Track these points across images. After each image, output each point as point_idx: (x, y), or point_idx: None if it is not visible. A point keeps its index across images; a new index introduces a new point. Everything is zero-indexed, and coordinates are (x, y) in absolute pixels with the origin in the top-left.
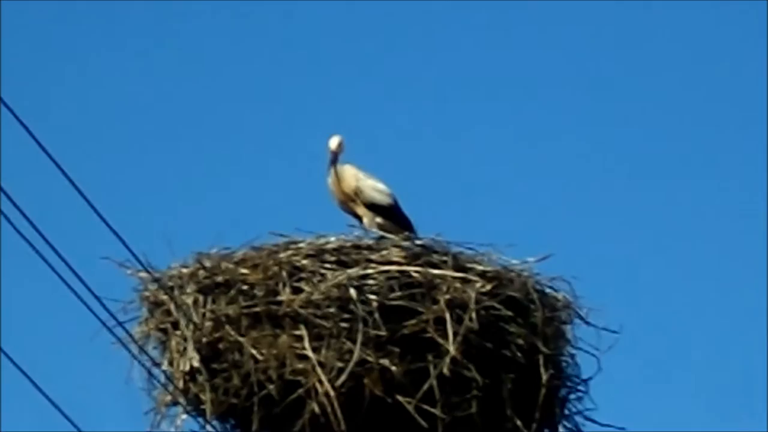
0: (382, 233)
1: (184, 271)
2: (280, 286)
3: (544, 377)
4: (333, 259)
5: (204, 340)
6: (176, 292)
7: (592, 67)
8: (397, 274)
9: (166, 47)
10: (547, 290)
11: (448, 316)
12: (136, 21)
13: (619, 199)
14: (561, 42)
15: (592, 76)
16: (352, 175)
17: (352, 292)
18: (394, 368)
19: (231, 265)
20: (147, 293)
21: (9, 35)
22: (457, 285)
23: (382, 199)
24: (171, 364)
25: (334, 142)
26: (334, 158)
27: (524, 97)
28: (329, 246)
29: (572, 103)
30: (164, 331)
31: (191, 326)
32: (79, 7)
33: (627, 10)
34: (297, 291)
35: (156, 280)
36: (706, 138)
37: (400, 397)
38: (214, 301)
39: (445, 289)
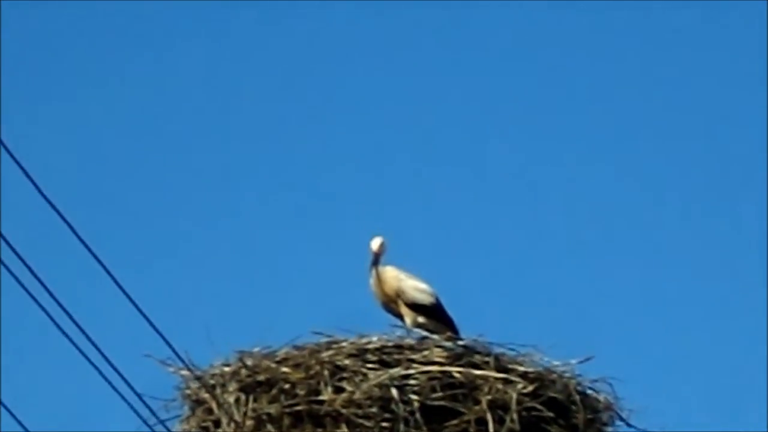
0: (424, 333)
1: (226, 369)
2: (322, 385)
3: None
4: (375, 358)
5: None
6: (218, 391)
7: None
8: (438, 375)
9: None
10: (589, 391)
11: (489, 416)
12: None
13: (660, 301)
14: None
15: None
16: (393, 276)
17: (394, 392)
18: None
19: (273, 364)
20: (188, 391)
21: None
22: (499, 386)
23: (425, 298)
24: None
25: (375, 244)
26: (376, 259)
27: (563, 197)
28: (371, 346)
29: (606, 198)
30: (206, 429)
31: (233, 425)
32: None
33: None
34: (339, 390)
35: (198, 378)
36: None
37: None
38: (255, 400)
39: (486, 389)
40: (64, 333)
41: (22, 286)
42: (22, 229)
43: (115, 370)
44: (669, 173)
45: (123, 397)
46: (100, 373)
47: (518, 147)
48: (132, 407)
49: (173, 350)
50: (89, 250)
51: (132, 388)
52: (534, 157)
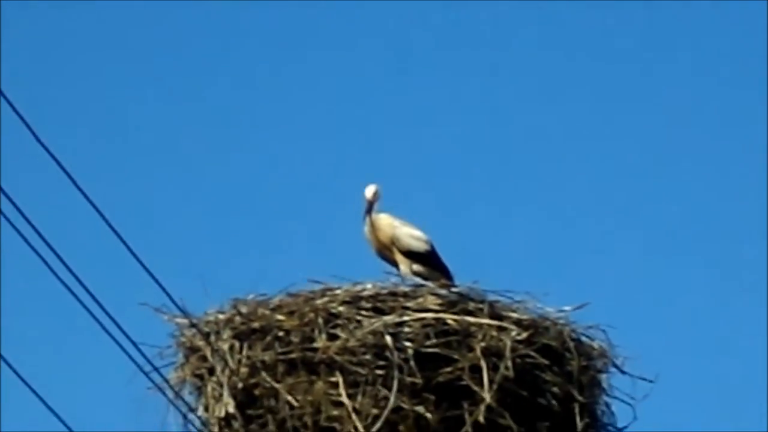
0: (418, 280)
1: (221, 316)
2: (316, 332)
3: (580, 426)
4: (369, 306)
5: (240, 386)
6: (212, 338)
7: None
8: (433, 322)
9: (204, 85)
10: (583, 339)
11: (483, 363)
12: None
13: (655, 248)
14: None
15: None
16: (387, 224)
17: (388, 339)
18: (429, 415)
19: (267, 312)
20: (183, 339)
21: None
22: (493, 333)
23: (419, 246)
24: (206, 409)
25: (369, 191)
26: (370, 207)
27: (558, 141)
28: (365, 293)
29: (601, 151)
30: (200, 377)
31: (227, 372)
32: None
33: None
34: (333, 338)
35: (193, 325)
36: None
37: None
38: (250, 347)
39: (480, 336)
40: (60, 280)
41: (19, 233)
42: (18, 177)
43: (110, 317)
44: (664, 121)
45: (119, 344)
46: (96, 320)
47: (514, 89)
48: (127, 354)
49: (169, 296)
50: (86, 197)
51: (127, 336)
52: (529, 102)
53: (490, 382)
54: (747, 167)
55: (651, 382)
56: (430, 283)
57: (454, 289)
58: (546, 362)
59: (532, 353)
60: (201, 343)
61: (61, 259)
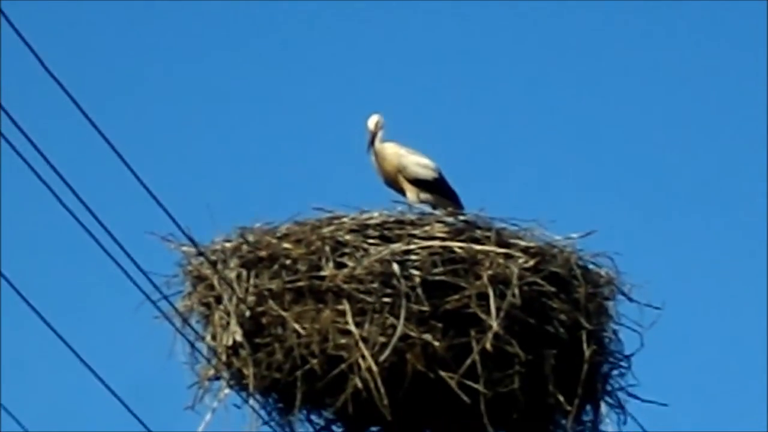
0: (426, 208)
1: (228, 245)
2: (323, 261)
3: (587, 353)
4: (376, 234)
5: (247, 314)
6: (220, 267)
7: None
8: (440, 250)
9: (213, 21)
10: (590, 266)
11: (491, 291)
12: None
13: (663, 175)
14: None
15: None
16: (394, 153)
17: (395, 267)
18: (436, 343)
19: (274, 240)
20: (190, 267)
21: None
22: (500, 261)
23: (427, 173)
24: (214, 338)
25: (372, 122)
26: (373, 138)
27: (570, 70)
28: (372, 221)
29: (611, 79)
30: (207, 305)
31: (234, 300)
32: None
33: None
34: (340, 266)
35: (201, 254)
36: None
37: (442, 373)
38: (257, 276)
39: (488, 264)
40: (66, 208)
41: (26, 161)
42: (23, 103)
43: (119, 245)
44: (668, 46)
45: (126, 272)
46: (103, 248)
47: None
48: (135, 283)
49: (176, 224)
50: (93, 124)
51: (135, 263)
52: (536, 30)
53: (497, 309)
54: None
55: (658, 309)
56: (437, 211)
57: (461, 217)
58: (553, 290)
59: (539, 281)
60: (208, 271)
61: (69, 185)
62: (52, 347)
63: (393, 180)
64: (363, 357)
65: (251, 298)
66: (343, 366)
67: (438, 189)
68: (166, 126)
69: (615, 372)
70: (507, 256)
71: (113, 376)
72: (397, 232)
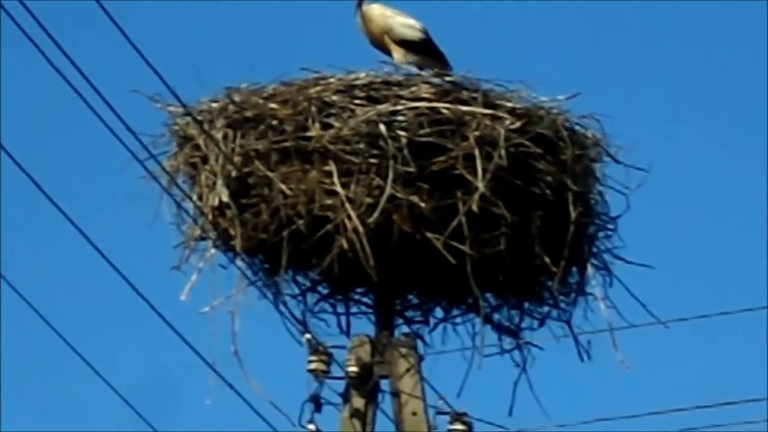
0: (413, 69)
1: (214, 105)
2: (310, 121)
3: (573, 215)
4: (363, 95)
5: (233, 174)
6: (206, 127)
7: None
8: (426, 111)
9: None
10: (577, 128)
11: (477, 152)
12: None
13: (648, 37)
14: None
15: None
16: (380, 14)
17: (382, 128)
18: (423, 204)
19: (260, 100)
20: (176, 127)
21: None
22: (487, 122)
23: (413, 34)
24: (200, 198)
25: None
26: (360, 0)
27: None
28: (359, 82)
29: None
30: (193, 165)
31: (220, 160)
32: None
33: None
34: (326, 127)
35: (188, 114)
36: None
37: (428, 234)
38: (243, 136)
39: (474, 125)
40: (54, 67)
41: (12, 19)
42: None
43: (106, 102)
44: None
45: (112, 131)
46: (88, 105)
47: None
48: (121, 141)
49: (163, 82)
50: None
51: (123, 122)
52: None
53: (484, 171)
54: None
55: (645, 171)
56: (424, 72)
57: (447, 78)
58: (540, 151)
59: (526, 142)
60: (194, 131)
61: (57, 43)
62: (34, 201)
63: (380, 42)
64: (349, 217)
65: (237, 159)
66: (329, 226)
67: (425, 50)
68: None
69: (601, 234)
70: (494, 118)
71: (99, 236)
72: (384, 92)
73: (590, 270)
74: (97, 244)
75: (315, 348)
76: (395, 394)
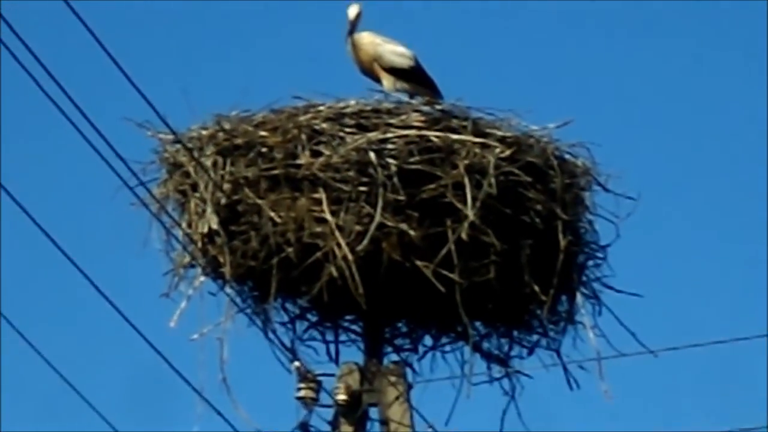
0: (403, 97)
1: (204, 132)
2: (300, 149)
3: (563, 243)
4: (352, 122)
5: (223, 201)
6: (196, 154)
7: None
8: (416, 139)
9: None
10: (567, 156)
11: (467, 180)
12: None
13: (639, 65)
14: None
15: None
16: (369, 42)
17: (372, 155)
18: (412, 232)
19: (250, 128)
20: (166, 154)
21: None
22: (477, 150)
23: (403, 62)
24: (189, 226)
25: (352, 12)
26: (352, 28)
27: None
28: (349, 110)
29: None
30: (183, 193)
31: (210, 188)
32: None
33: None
34: (316, 154)
35: (178, 141)
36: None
37: (418, 262)
38: (233, 164)
39: (464, 154)
40: (46, 93)
41: (4, 45)
42: None
43: (98, 131)
44: None
45: (102, 157)
46: (80, 132)
47: None
48: (112, 168)
49: (153, 109)
50: (72, 10)
51: (113, 149)
52: None
53: (474, 199)
54: None
55: (634, 199)
56: (414, 100)
57: (437, 106)
58: (529, 180)
59: (516, 170)
60: (184, 158)
61: (47, 70)
62: (25, 228)
63: (369, 69)
64: (338, 245)
65: (227, 186)
66: (318, 254)
67: (414, 77)
68: (144, 12)
69: (590, 262)
70: (483, 146)
71: (89, 263)
72: (374, 120)
73: (579, 298)
74: (87, 270)
75: (304, 375)
76: (384, 422)
